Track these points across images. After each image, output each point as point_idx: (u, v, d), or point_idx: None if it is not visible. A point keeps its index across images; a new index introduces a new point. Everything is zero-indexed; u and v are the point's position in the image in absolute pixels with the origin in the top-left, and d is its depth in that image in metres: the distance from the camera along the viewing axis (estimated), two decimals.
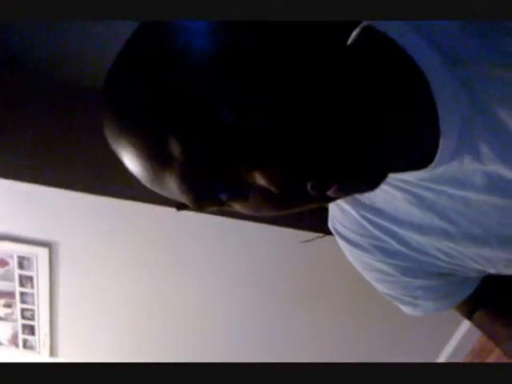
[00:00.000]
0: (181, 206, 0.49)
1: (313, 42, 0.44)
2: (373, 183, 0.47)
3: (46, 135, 1.78)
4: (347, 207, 0.65)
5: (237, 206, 0.47)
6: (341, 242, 0.68)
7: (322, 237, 1.65)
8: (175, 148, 0.42)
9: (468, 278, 0.66)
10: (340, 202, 0.65)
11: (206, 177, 0.43)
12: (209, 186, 0.44)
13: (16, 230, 1.94)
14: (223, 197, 0.45)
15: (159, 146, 0.42)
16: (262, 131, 0.41)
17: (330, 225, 0.69)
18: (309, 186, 0.43)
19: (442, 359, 2.33)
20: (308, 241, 1.83)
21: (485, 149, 0.49)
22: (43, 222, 1.93)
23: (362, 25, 0.50)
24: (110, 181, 1.78)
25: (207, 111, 0.41)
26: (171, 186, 0.44)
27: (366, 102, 0.44)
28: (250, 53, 0.42)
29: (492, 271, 0.64)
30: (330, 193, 0.44)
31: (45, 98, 1.89)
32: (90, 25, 2.17)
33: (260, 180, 0.43)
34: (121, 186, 1.77)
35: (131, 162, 0.45)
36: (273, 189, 0.43)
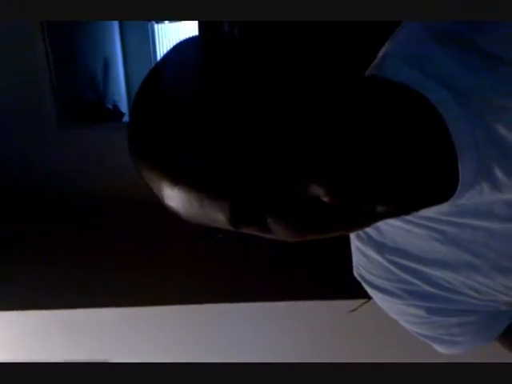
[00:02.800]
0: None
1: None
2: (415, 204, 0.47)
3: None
4: (372, 253, 0.64)
5: (279, 228, 0.44)
6: (369, 289, 0.67)
7: (367, 302, 1.62)
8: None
9: (501, 312, 0.66)
10: (363, 248, 0.65)
11: (255, 189, 0.40)
12: (258, 199, 0.41)
13: (71, 356, 1.93)
14: (269, 216, 0.42)
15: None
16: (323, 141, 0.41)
17: (355, 273, 0.68)
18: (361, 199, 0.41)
19: None
20: (355, 309, 1.79)
21: (501, 176, 0.50)
22: (94, 344, 1.93)
23: (367, 73, 0.52)
24: (150, 289, 1.82)
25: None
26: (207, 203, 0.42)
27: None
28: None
29: None
30: (379, 209, 0.42)
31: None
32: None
33: (318, 190, 0.41)
34: (163, 292, 1.80)
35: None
36: (330, 198, 0.40)
